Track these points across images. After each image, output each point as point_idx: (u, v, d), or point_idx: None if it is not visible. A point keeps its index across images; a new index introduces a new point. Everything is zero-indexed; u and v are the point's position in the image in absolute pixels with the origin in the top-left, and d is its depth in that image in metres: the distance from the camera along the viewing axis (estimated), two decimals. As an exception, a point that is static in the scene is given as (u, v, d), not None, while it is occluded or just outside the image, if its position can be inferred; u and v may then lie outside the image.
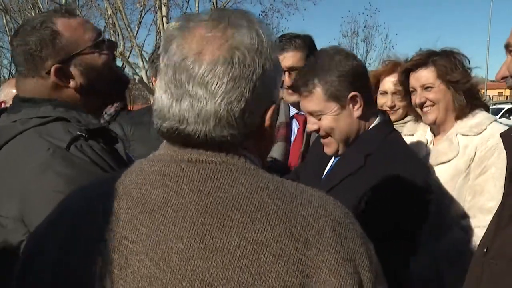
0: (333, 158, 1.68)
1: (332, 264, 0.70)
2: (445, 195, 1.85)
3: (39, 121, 1.20)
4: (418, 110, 1.99)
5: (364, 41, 29.10)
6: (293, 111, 2.29)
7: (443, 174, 1.88)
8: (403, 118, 2.43)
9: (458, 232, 1.79)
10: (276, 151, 2.20)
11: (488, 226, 1.35)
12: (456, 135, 1.89)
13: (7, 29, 20.95)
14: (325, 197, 0.78)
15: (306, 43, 2.20)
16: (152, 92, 2.66)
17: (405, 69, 2.01)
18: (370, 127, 1.55)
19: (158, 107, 0.78)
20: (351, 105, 1.49)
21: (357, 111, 1.50)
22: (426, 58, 1.91)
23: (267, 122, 0.81)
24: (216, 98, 0.73)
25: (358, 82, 1.49)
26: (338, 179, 1.51)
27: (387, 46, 27.35)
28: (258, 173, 0.78)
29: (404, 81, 2.05)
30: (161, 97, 0.77)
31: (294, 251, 0.69)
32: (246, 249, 0.69)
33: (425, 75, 1.91)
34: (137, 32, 15.76)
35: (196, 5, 20.17)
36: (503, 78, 1.21)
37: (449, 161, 1.87)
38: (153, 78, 2.52)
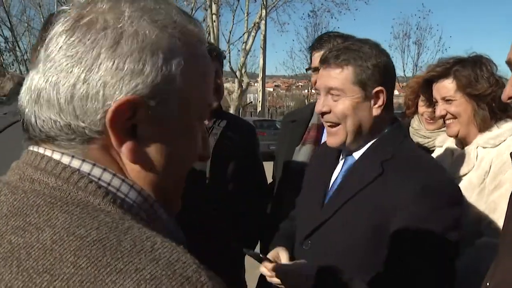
0: (340, 165, 1.59)
1: None
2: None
3: None
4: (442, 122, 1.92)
5: (416, 43, 28.12)
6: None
7: None
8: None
9: (468, 255, 1.66)
10: (303, 154, 2.13)
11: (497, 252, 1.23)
12: (477, 147, 1.79)
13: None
14: (177, 265, 0.49)
15: None
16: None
17: (426, 80, 1.92)
18: (384, 132, 1.47)
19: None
20: (373, 101, 1.43)
21: (377, 109, 1.43)
22: (447, 69, 1.81)
23: (109, 115, 0.56)
24: (45, 65, 0.57)
25: (388, 78, 1.45)
26: (354, 191, 1.40)
27: (440, 48, 26.34)
28: (95, 212, 0.53)
29: (426, 92, 1.95)
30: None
31: None
32: None
33: (445, 87, 1.82)
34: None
35: (246, 3, 20.36)
36: (509, 98, 1.10)
37: (464, 175, 1.78)
38: None
